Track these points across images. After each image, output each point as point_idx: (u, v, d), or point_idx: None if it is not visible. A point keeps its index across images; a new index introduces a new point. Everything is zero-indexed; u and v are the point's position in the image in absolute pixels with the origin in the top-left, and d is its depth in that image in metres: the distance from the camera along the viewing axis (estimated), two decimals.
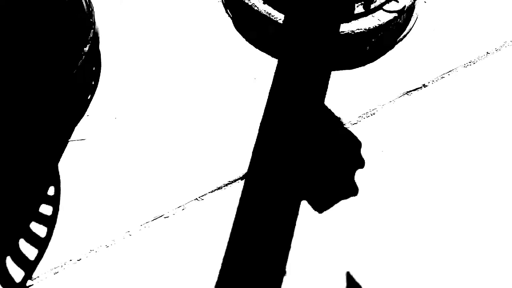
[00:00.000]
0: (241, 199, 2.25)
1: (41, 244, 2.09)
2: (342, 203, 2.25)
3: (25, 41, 2.04)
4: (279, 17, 2.53)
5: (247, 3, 2.57)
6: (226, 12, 2.78)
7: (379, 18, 2.47)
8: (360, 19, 2.48)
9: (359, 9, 2.50)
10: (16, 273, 2.01)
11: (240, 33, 2.73)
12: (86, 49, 2.34)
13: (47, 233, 2.12)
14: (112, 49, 2.70)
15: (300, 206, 2.25)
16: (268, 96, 2.57)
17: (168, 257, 2.07)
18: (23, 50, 2.05)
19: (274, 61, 2.68)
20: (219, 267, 2.08)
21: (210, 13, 2.85)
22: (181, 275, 2.03)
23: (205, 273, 2.04)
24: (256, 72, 2.63)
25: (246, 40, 2.73)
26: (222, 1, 2.81)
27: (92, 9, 2.41)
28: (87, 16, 2.31)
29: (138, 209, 2.20)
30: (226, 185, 2.28)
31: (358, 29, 2.46)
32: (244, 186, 2.29)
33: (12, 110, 2.16)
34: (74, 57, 2.29)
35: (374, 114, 2.48)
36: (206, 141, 2.39)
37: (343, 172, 2.33)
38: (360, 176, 2.31)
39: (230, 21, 2.80)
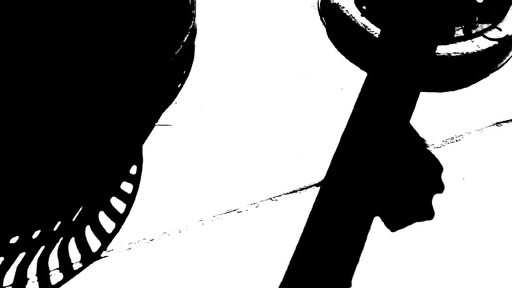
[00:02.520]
0: (314, 205, 2.25)
1: (119, 219, 2.16)
2: (416, 225, 2.21)
3: (130, 25, 2.12)
4: (375, 31, 2.52)
5: (345, 14, 2.58)
6: (321, 19, 2.80)
7: (478, 44, 2.43)
8: (459, 43, 2.44)
9: (459, 32, 2.46)
10: (93, 242, 2.09)
11: (332, 42, 2.74)
12: (184, 39, 2.40)
13: (125, 209, 2.19)
14: (207, 43, 2.77)
15: (373, 221, 2.23)
16: (353, 108, 2.56)
17: (236, 250, 2.09)
18: (128, 34, 2.14)
19: (363, 74, 2.67)
20: (283, 268, 2.09)
21: (305, 18, 2.88)
22: (246, 269, 2.05)
23: (268, 271, 2.06)
24: (344, 82, 2.63)
25: (338, 49, 2.74)
26: (318, 8, 2.83)
27: (195, 2, 2.48)
28: (190, 8, 2.37)
29: (213, 200, 2.23)
30: (302, 189, 2.29)
31: (455, 53, 2.42)
32: (318, 193, 2.29)
33: (112, 88, 2.25)
34: (172, 45, 2.36)
35: (459, 140, 2.43)
36: (285, 143, 2.41)
37: (421, 194, 2.29)
38: (437, 201, 2.27)
39: (323, 29, 2.81)
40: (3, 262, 2.00)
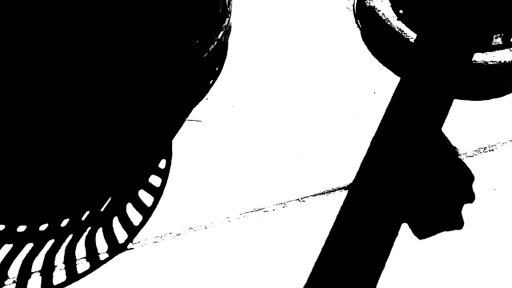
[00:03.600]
0: (342, 208, 2.24)
1: (146, 212, 2.17)
2: (444, 234, 2.18)
3: (167, 19, 2.13)
4: (412, 36, 2.50)
5: (381, 17, 2.55)
6: (356, 22, 2.78)
7: None
8: (496, 52, 2.40)
9: (497, 40, 2.42)
10: (120, 234, 2.10)
11: (367, 45, 2.72)
12: (219, 36, 2.41)
13: (153, 203, 2.20)
14: (240, 41, 2.77)
15: (400, 227, 2.20)
16: (385, 113, 2.54)
17: (261, 248, 2.09)
18: (163, 28, 2.15)
19: (396, 79, 2.64)
20: (308, 269, 2.08)
21: (339, 20, 2.86)
22: (270, 268, 2.04)
23: (293, 272, 2.05)
24: (376, 86, 2.61)
25: (372, 53, 2.71)
26: (353, 11, 2.81)
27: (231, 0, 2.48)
28: (226, 5, 2.38)
29: (239, 198, 2.23)
30: (329, 192, 2.27)
31: (492, 61, 2.38)
32: (346, 196, 2.28)
33: (146, 82, 2.26)
34: (207, 42, 2.36)
35: (492, 150, 2.39)
36: (314, 145, 2.40)
37: (450, 202, 2.25)
38: (467, 211, 2.23)
39: (358, 31, 2.79)
40: (32, 248, 2.02)
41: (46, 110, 2.31)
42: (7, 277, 1.95)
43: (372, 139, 2.45)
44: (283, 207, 2.22)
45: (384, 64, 2.66)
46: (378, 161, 2.37)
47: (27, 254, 2.02)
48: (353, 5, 2.86)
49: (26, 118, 2.31)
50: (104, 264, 2.02)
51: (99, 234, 2.10)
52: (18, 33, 1.98)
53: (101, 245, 2.07)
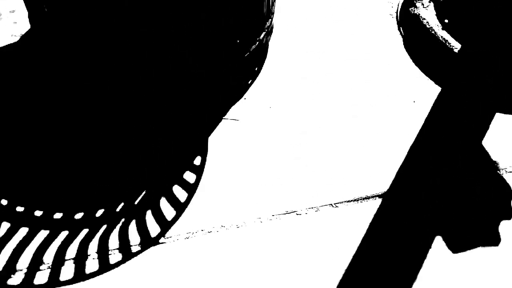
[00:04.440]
0: (375, 216, 2.21)
1: (179, 208, 2.18)
2: (479, 250, 2.14)
3: (211, 18, 2.14)
4: (455, 46, 2.46)
5: (425, 25, 2.52)
6: (399, 29, 2.75)
7: None
8: None
9: None
10: (153, 227, 2.12)
11: (408, 53, 2.69)
12: (261, 37, 2.41)
13: (187, 199, 2.21)
14: (281, 42, 2.77)
15: (434, 239, 2.17)
16: (424, 122, 2.51)
17: (292, 250, 2.08)
18: (206, 26, 2.16)
19: (437, 89, 2.60)
20: (338, 276, 2.06)
21: (381, 27, 2.83)
22: (300, 271, 2.04)
23: (322, 277, 2.03)
24: (416, 95, 2.58)
25: (413, 61, 2.68)
26: (396, 18, 2.78)
27: (275, 0, 2.48)
28: (269, 6, 2.38)
29: (272, 199, 2.23)
30: (363, 199, 2.26)
31: None
32: (380, 205, 2.25)
33: (187, 79, 2.28)
34: (249, 41, 2.36)
35: None
36: (349, 152, 2.38)
37: (487, 218, 2.21)
38: (505, 227, 2.19)
39: (400, 39, 2.76)
40: (67, 236, 2.05)
41: (96, 104, 2.35)
42: (42, 262, 1.99)
43: (410, 148, 2.42)
44: (316, 211, 2.21)
45: (425, 73, 2.63)
46: (415, 171, 2.34)
47: (62, 241, 2.05)
48: (397, 12, 2.83)
49: (71, 112, 2.35)
50: (136, 257, 2.04)
51: (132, 227, 2.12)
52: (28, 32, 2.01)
53: (134, 237, 2.09)
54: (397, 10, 2.80)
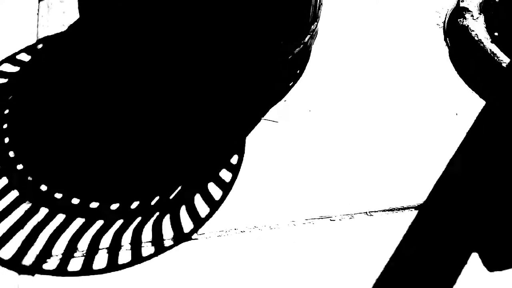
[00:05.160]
0: (410, 227, 2.19)
1: (214, 205, 2.19)
2: None
3: (257, 18, 2.14)
4: (504, 60, 2.41)
5: (473, 38, 2.48)
6: (445, 40, 2.71)
7: None
8: None
9: None
10: (186, 223, 2.13)
11: (453, 65, 2.65)
12: (305, 39, 2.40)
13: (221, 197, 2.22)
14: (324, 47, 2.76)
15: (470, 256, 2.12)
16: (465, 136, 2.47)
17: (325, 255, 2.08)
18: (251, 26, 2.16)
19: (481, 102, 2.56)
20: (370, 284, 2.03)
21: (427, 36, 2.80)
22: (332, 277, 2.02)
23: (354, 283, 2.01)
24: (459, 107, 2.54)
25: (458, 73, 2.64)
26: (444, 28, 2.74)
27: (321, 4, 2.46)
28: (315, 10, 2.36)
29: (306, 203, 2.22)
30: (399, 209, 2.23)
31: None
32: (416, 217, 2.23)
33: (230, 79, 2.28)
34: (293, 44, 2.36)
35: None
36: (387, 161, 2.37)
37: None
38: None
39: (446, 50, 2.72)
40: (102, 225, 2.08)
41: (141, 98, 2.37)
42: (76, 249, 2.02)
43: (449, 161, 2.38)
44: (350, 218, 2.19)
45: (470, 86, 2.58)
46: (454, 185, 2.30)
47: (97, 230, 2.08)
48: (444, 22, 2.79)
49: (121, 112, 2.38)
50: (168, 251, 2.06)
51: (166, 221, 2.14)
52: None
53: (167, 231, 2.11)
54: (445, 20, 2.76)
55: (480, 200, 2.26)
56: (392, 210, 2.23)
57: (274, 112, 2.50)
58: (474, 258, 2.11)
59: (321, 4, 2.48)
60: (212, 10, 1.99)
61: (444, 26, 2.76)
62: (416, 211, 2.24)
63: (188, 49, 2.14)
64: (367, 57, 2.71)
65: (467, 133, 2.48)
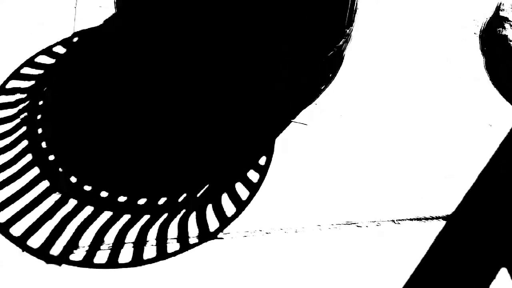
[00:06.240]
0: (437, 238, 2.16)
1: (240, 205, 2.19)
2: None
3: (294, 22, 2.13)
4: None
5: None
6: (482, 49, 2.66)
7: None
8: None
9: None
10: (212, 222, 2.13)
11: (489, 75, 2.60)
12: (340, 43, 2.38)
13: (248, 197, 2.21)
14: (357, 51, 2.73)
15: (499, 272, 2.09)
16: (498, 147, 2.42)
17: (351, 260, 2.06)
18: (288, 30, 2.15)
19: None
20: None
21: (463, 45, 2.75)
22: (356, 282, 2.00)
23: None
24: (493, 119, 2.49)
25: (493, 84, 2.60)
26: (481, 37, 2.69)
27: (357, 9, 2.44)
28: (351, 14, 2.35)
29: (333, 208, 2.21)
30: (427, 219, 2.20)
31: None
32: (444, 227, 2.20)
33: (265, 80, 2.28)
34: (327, 47, 2.34)
35: None
36: (417, 169, 2.35)
37: None
38: None
39: (482, 59, 2.67)
40: (129, 219, 2.10)
41: (173, 97, 2.39)
42: (103, 242, 2.04)
43: (480, 173, 2.34)
44: (377, 225, 2.17)
45: (505, 97, 2.53)
46: (484, 198, 2.26)
47: (124, 224, 2.09)
48: (481, 31, 2.74)
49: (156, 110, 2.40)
50: (193, 248, 2.06)
51: (192, 218, 2.14)
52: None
53: (193, 229, 2.11)
54: (482, 29, 2.71)
55: (510, 215, 2.22)
56: (420, 219, 2.20)
57: (304, 114, 2.49)
58: (503, 274, 2.07)
59: (357, 8, 2.46)
60: (253, 13, 1.99)
61: (481, 35, 2.72)
62: (445, 222, 2.20)
63: (225, 49, 2.15)
64: (401, 63, 2.68)
65: (500, 145, 2.43)
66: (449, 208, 2.24)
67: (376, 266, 2.06)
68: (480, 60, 2.71)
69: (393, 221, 2.20)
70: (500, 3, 2.73)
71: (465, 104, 2.57)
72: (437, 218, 2.22)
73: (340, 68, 2.64)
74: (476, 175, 2.34)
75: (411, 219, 2.20)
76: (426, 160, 2.37)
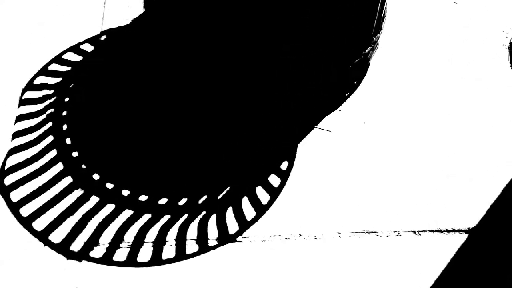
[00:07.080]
0: (459, 251, 2.13)
1: (260, 210, 2.18)
2: None
3: (322, 28, 2.12)
4: None
5: None
6: (510, 62, 2.62)
7: None
8: None
9: None
10: (232, 225, 2.13)
11: None
12: (366, 50, 2.37)
13: (269, 201, 2.21)
14: (384, 58, 2.71)
15: None
16: None
17: (370, 270, 2.04)
18: (316, 36, 2.14)
19: None
20: None
21: (491, 57, 2.73)
22: None
23: None
24: None
25: None
26: (510, 49, 2.65)
27: (385, 17, 2.43)
28: (379, 21, 2.33)
29: (353, 217, 2.19)
30: (448, 231, 2.17)
31: None
32: (466, 240, 2.16)
33: (290, 85, 2.28)
34: (353, 54, 2.33)
35: None
36: (440, 180, 2.32)
37: None
38: None
39: (510, 72, 2.63)
40: (149, 219, 2.11)
41: (198, 99, 2.40)
42: (122, 240, 2.05)
43: (505, 187, 2.31)
44: (397, 235, 2.15)
45: None
46: (507, 212, 2.22)
47: (144, 224, 2.10)
48: (511, 43, 2.70)
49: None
50: (212, 251, 2.07)
51: (212, 220, 2.14)
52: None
53: (212, 231, 2.12)
54: (511, 40, 2.67)
55: None
56: (441, 231, 2.18)
57: (328, 121, 2.48)
58: None
59: (385, 16, 2.44)
60: (283, 18, 1.99)
61: (510, 47, 2.68)
62: (466, 235, 2.18)
63: (253, 54, 2.15)
64: (427, 72, 2.66)
65: None
66: (472, 221, 2.22)
67: (395, 277, 2.04)
68: (508, 72, 2.68)
69: (414, 232, 2.18)
70: None
71: (490, 118, 2.55)
72: (459, 231, 2.20)
73: (366, 76, 2.62)
74: (501, 188, 2.31)
75: (432, 231, 2.18)
76: (448, 172, 2.35)
